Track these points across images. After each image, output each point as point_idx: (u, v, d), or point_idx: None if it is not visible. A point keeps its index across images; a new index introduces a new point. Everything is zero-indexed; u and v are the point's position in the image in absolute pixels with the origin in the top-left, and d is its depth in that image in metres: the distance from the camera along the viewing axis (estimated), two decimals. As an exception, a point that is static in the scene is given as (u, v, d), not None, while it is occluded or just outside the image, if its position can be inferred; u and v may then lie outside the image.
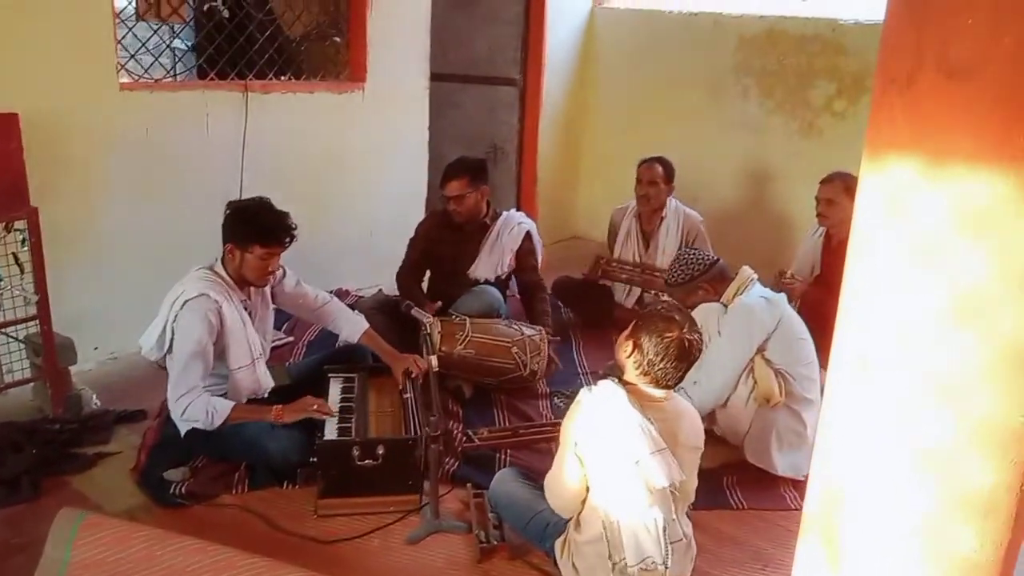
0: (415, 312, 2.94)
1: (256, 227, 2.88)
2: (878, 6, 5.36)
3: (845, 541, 1.27)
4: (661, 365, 2.23)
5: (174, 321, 2.83)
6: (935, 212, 1.11)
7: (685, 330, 2.24)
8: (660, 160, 4.39)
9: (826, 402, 1.33)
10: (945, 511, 1.15)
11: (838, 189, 3.91)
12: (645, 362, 2.25)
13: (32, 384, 3.38)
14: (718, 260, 3.29)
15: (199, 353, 2.80)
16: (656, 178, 4.34)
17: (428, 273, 4.20)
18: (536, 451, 3.22)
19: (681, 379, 2.29)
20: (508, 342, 3.60)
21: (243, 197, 4.03)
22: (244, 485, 2.88)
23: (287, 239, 2.91)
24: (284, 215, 2.93)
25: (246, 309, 2.99)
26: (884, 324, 1.19)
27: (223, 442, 2.87)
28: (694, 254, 3.31)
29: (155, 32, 4.18)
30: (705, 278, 3.22)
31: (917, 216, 1.13)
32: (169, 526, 2.53)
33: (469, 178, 3.89)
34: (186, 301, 2.81)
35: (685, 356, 2.24)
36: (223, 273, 2.94)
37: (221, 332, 2.86)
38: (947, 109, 1.08)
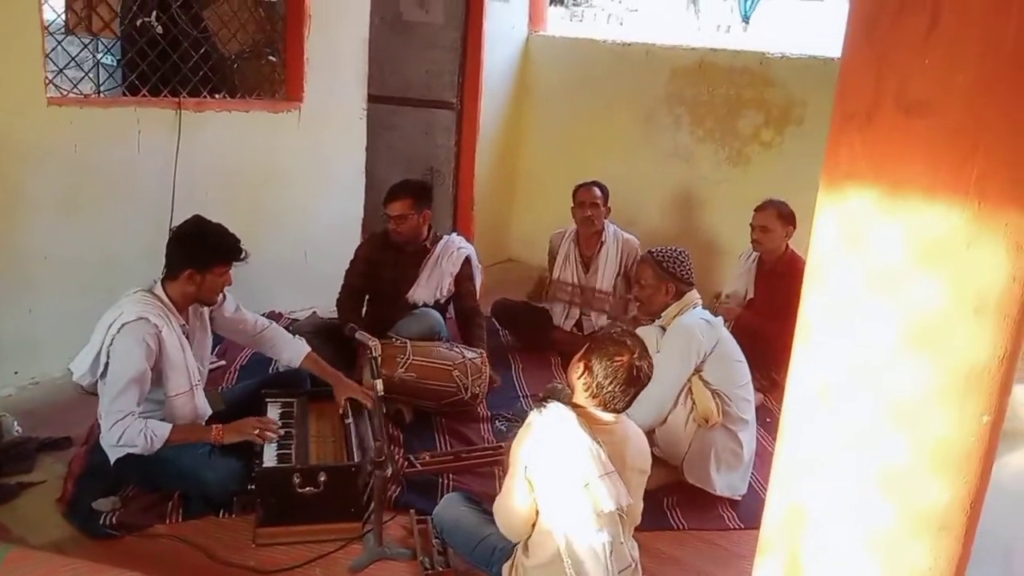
0: (359, 335, 2.90)
1: (217, 248, 2.86)
2: (803, 41, 5.59)
3: (806, 559, 1.30)
4: (609, 388, 2.26)
5: (110, 344, 2.73)
6: (892, 241, 1.15)
7: (636, 355, 2.28)
8: (597, 184, 4.48)
9: (784, 423, 1.36)
10: (903, 528, 1.20)
11: (771, 216, 4.06)
12: (594, 385, 2.28)
13: (-53, 410, 3.21)
14: (693, 284, 3.33)
15: (136, 379, 2.71)
16: (596, 199, 4.42)
17: (367, 297, 4.15)
18: (479, 475, 3.21)
19: (629, 404, 2.32)
20: (449, 365, 3.58)
21: (175, 216, 3.96)
22: (178, 514, 2.79)
23: (243, 252, 2.90)
24: (225, 229, 2.92)
25: (185, 333, 2.90)
26: (841, 349, 1.23)
27: (157, 471, 2.77)
28: (689, 261, 3.32)
29: (85, 47, 4.05)
30: (680, 284, 3.25)
31: (874, 245, 1.17)
32: (100, 558, 2.44)
33: (413, 200, 3.88)
34: (124, 324, 2.72)
35: (634, 381, 2.28)
36: (163, 296, 2.86)
37: (159, 357, 2.78)
38: (904, 144, 1.13)
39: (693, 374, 3.14)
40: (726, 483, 3.17)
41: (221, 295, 2.99)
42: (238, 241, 2.91)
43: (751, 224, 4.16)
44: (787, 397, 1.37)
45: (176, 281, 2.86)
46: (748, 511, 3.10)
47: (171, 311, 2.86)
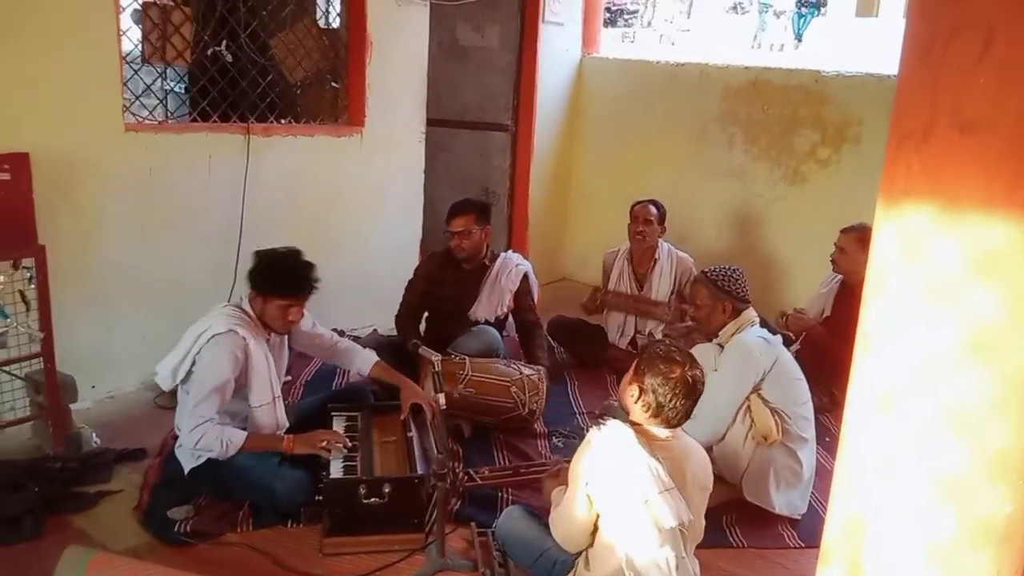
0: (422, 351, 2.99)
1: (276, 280, 2.96)
2: (857, 59, 5.56)
3: (867, 569, 1.32)
4: (669, 404, 2.30)
5: (197, 352, 2.87)
6: (949, 254, 1.18)
7: (687, 367, 2.32)
8: (653, 202, 4.52)
9: (845, 433, 1.39)
10: (964, 538, 1.21)
11: (851, 239, 4.03)
12: (654, 404, 2.31)
13: (31, 422, 3.37)
14: (750, 302, 3.33)
15: (219, 388, 2.84)
16: (651, 217, 4.46)
17: (426, 314, 4.25)
18: (537, 490, 3.23)
19: (688, 415, 2.36)
20: (507, 381, 3.65)
21: (243, 237, 4.12)
22: (249, 523, 2.90)
23: (307, 292, 2.98)
24: (309, 267, 3.00)
25: (269, 348, 3.03)
26: (902, 359, 1.26)
27: (229, 482, 2.88)
28: (744, 279, 3.31)
29: (160, 75, 4.25)
30: (736, 302, 3.24)
31: (932, 258, 1.21)
32: (175, 564, 2.55)
33: (476, 215, 3.98)
34: (214, 335, 2.86)
35: (691, 393, 2.31)
36: (250, 312, 3.00)
37: (245, 369, 2.90)
38: (959, 161, 1.17)
39: (752, 392, 3.14)
40: (785, 501, 3.16)
41: (292, 324, 3.06)
42: (303, 278, 2.96)
43: (835, 244, 4.15)
44: (847, 407, 1.40)
45: (253, 301, 3.01)
46: (808, 530, 3.08)
47: (257, 326, 2.99)
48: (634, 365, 2.40)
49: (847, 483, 1.40)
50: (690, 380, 2.30)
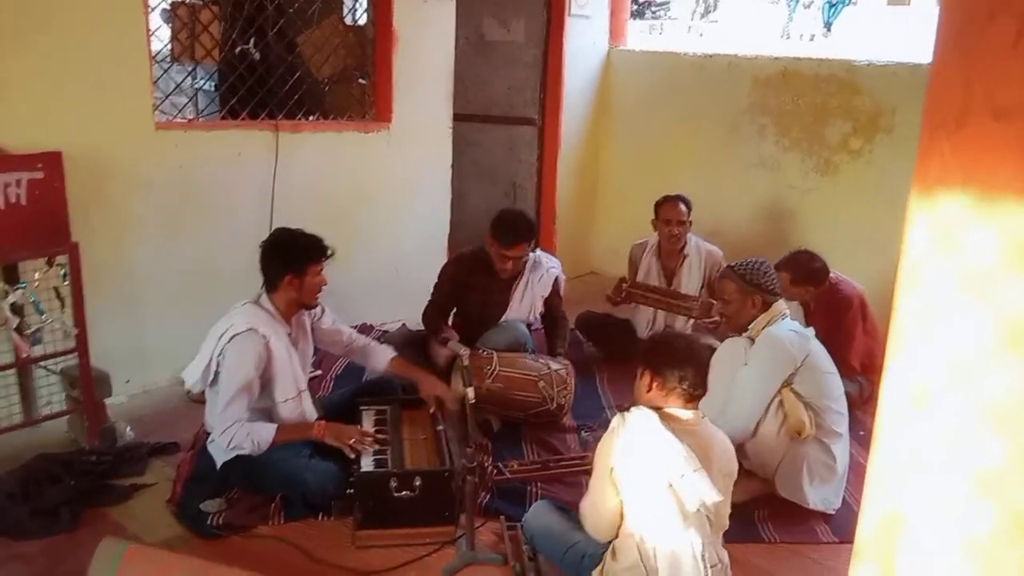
0: (452, 344, 2.99)
1: (305, 250, 2.99)
2: (888, 48, 5.47)
3: (902, 566, 1.30)
4: (681, 374, 2.33)
5: (219, 354, 2.89)
6: (985, 245, 1.16)
7: (683, 339, 2.44)
8: (681, 198, 4.43)
9: (879, 428, 1.37)
10: (1004, 534, 1.19)
11: (785, 280, 3.87)
12: (667, 385, 2.33)
13: (67, 416, 3.43)
14: (780, 295, 3.30)
15: (244, 388, 2.87)
16: (682, 216, 4.38)
17: (454, 310, 4.24)
18: (566, 484, 3.25)
19: (704, 385, 2.36)
20: (535, 376, 3.64)
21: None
22: (280, 516, 2.92)
23: (329, 249, 3.04)
24: (306, 232, 3.07)
25: (291, 342, 3.05)
26: (936, 354, 1.24)
27: (260, 475, 2.91)
28: (772, 271, 3.28)
29: (190, 74, 4.29)
30: (765, 295, 3.20)
31: (967, 249, 1.18)
32: (208, 557, 2.58)
33: (534, 242, 3.97)
34: (234, 335, 2.88)
35: (696, 357, 2.36)
36: (269, 307, 3.01)
37: (268, 365, 2.92)
38: (994, 149, 1.14)
39: (784, 386, 3.11)
40: (819, 497, 3.12)
41: (319, 297, 3.10)
42: (322, 240, 3.03)
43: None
44: (881, 402, 1.38)
45: (278, 291, 3.01)
46: (842, 525, 3.05)
47: (278, 320, 3.01)
48: (640, 361, 2.44)
49: (882, 480, 1.38)
50: (691, 346, 2.38)
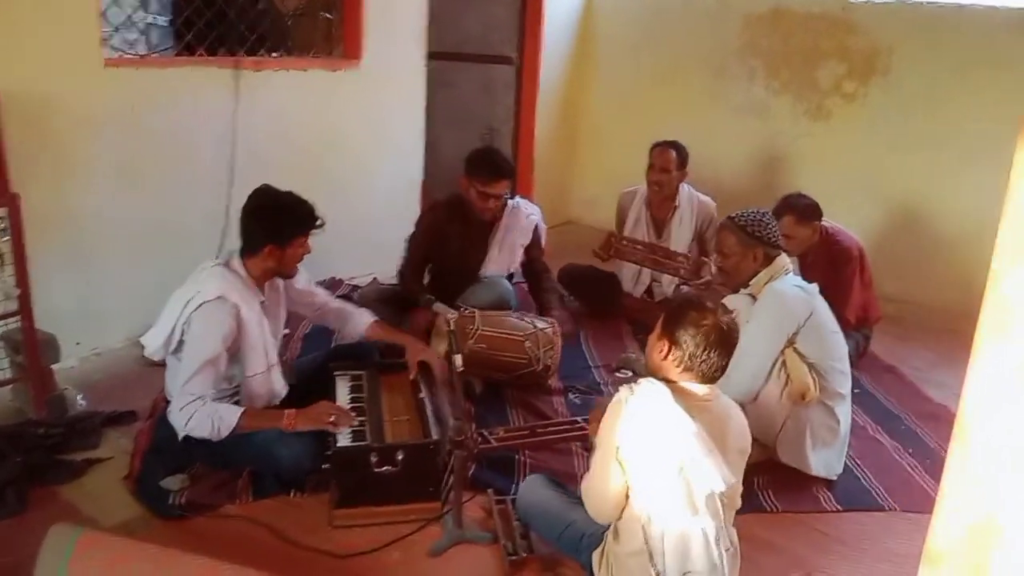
0: (438, 307, 2.75)
1: (293, 221, 2.71)
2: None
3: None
4: (704, 356, 2.08)
5: (184, 323, 2.62)
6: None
7: (719, 314, 2.11)
8: (674, 145, 4.20)
9: (965, 425, 1.16)
10: None
11: (791, 223, 3.75)
12: (686, 357, 2.09)
13: (11, 385, 3.14)
14: (782, 248, 3.10)
15: (211, 360, 2.59)
16: (669, 164, 4.15)
17: (430, 266, 3.99)
18: (556, 451, 3.07)
19: (725, 368, 2.14)
20: (521, 336, 3.43)
21: (235, 179, 3.84)
22: (248, 493, 2.69)
23: (320, 220, 2.77)
24: (299, 198, 2.77)
25: (263, 310, 2.78)
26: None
27: (226, 447, 2.64)
28: (775, 223, 3.08)
29: (142, 5, 3.92)
30: (768, 248, 3.00)
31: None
32: (170, 541, 2.35)
33: (513, 180, 3.70)
34: (202, 303, 2.59)
35: (726, 342, 2.10)
36: (242, 272, 2.73)
37: (238, 336, 2.65)
38: None
39: (787, 345, 2.93)
40: (822, 462, 2.97)
41: (302, 259, 2.84)
42: (313, 209, 2.75)
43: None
44: (967, 388, 1.17)
45: (256, 257, 2.72)
46: (844, 492, 2.93)
47: (250, 288, 2.73)
48: (661, 320, 2.18)
49: (967, 480, 1.18)
50: (724, 327, 2.09)
